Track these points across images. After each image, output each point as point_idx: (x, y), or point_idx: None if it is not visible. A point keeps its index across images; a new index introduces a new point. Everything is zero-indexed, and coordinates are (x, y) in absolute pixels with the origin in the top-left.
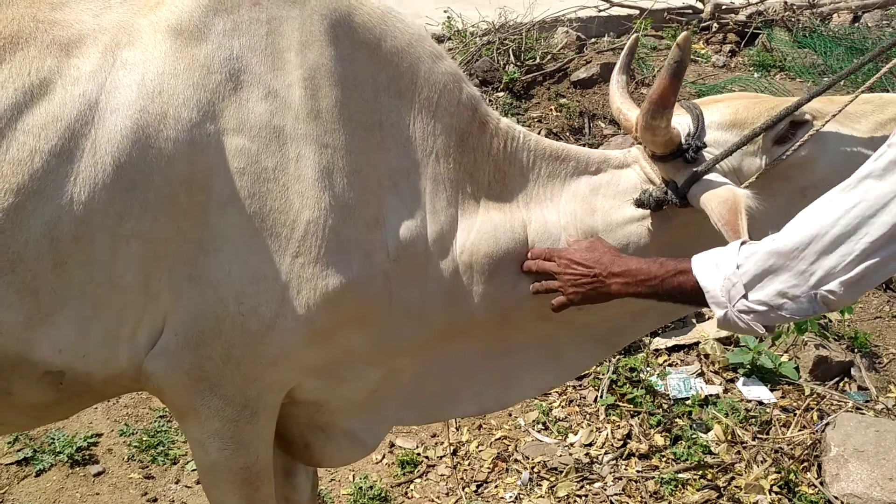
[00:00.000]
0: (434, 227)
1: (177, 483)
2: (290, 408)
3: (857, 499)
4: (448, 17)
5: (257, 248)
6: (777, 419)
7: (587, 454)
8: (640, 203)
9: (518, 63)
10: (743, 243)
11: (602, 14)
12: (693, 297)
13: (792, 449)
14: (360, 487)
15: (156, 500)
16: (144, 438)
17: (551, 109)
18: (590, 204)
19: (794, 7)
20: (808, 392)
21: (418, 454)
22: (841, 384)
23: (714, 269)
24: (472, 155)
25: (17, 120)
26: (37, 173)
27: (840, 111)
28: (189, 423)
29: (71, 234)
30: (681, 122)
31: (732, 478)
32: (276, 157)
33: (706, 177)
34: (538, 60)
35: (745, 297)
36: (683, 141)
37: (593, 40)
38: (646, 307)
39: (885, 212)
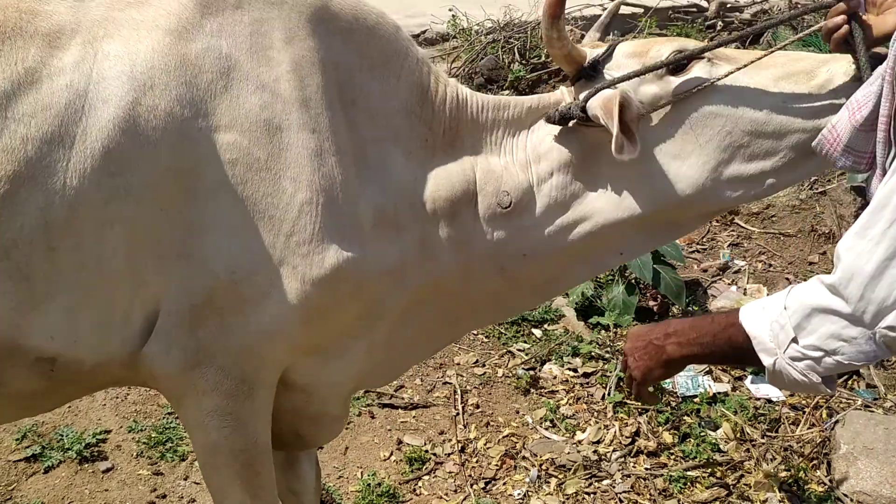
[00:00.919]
0: (399, 184)
1: (185, 479)
2: (279, 403)
3: (867, 496)
4: (453, 16)
5: (250, 228)
6: (786, 417)
7: (595, 452)
8: (549, 118)
9: (523, 61)
10: (793, 286)
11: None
12: (746, 351)
13: (801, 447)
14: (369, 485)
15: (164, 496)
16: (153, 435)
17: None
18: (522, 141)
19: (799, 6)
20: None
21: (426, 451)
22: (850, 382)
23: (761, 313)
24: (431, 108)
25: (6, 108)
26: (30, 160)
27: (750, 63)
28: (187, 406)
29: (63, 219)
30: (595, 52)
31: (742, 475)
32: (267, 148)
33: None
34: (543, 59)
35: (794, 340)
36: (587, 62)
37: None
38: (577, 257)
39: None
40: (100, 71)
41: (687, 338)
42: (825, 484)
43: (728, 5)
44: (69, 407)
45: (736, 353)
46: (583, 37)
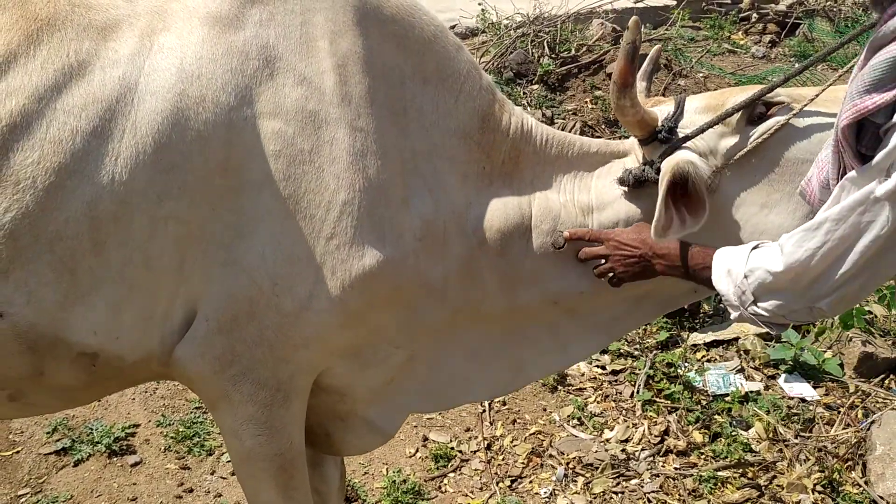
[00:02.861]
0: (452, 207)
1: (212, 474)
2: (312, 398)
3: None
4: (482, 10)
5: (292, 230)
6: (820, 417)
7: (623, 450)
8: (621, 181)
9: (553, 55)
10: (754, 248)
11: (639, 6)
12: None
13: (836, 447)
14: (394, 481)
15: (191, 490)
16: (181, 429)
17: (587, 102)
18: (587, 184)
19: None
20: (852, 389)
21: (452, 448)
22: (887, 381)
23: (726, 276)
24: (492, 135)
25: (56, 100)
26: (78, 153)
27: (818, 94)
28: (222, 412)
29: (111, 214)
30: (663, 109)
31: (774, 476)
32: (311, 140)
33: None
34: (573, 52)
35: (754, 303)
36: (659, 125)
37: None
38: (642, 297)
39: (853, 249)
40: (152, 63)
41: (673, 262)
42: (860, 486)
43: None
44: (99, 401)
45: (704, 288)
46: (614, 30)
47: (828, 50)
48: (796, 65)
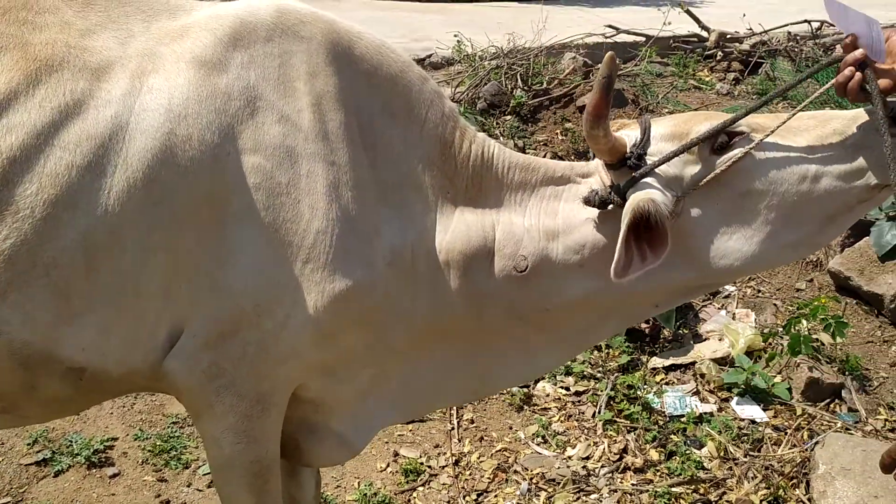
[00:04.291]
0: (418, 232)
1: (189, 486)
2: (288, 410)
3: None
4: (458, 42)
5: (271, 257)
6: (768, 437)
7: (584, 467)
8: (587, 201)
9: (525, 87)
10: None
11: (609, 41)
12: None
13: (782, 466)
14: (366, 494)
15: (168, 501)
16: (158, 443)
17: (557, 133)
18: (552, 207)
19: (798, 37)
20: (799, 412)
21: (421, 463)
22: (831, 405)
23: None
24: (454, 162)
25: (54, 136)
26: (73, 186)
27: (779, 126)
28: (204, 421)
29: (104, 243)
30: (630, 134)
31: (724, 493)
32: (288, 173)
33: (643, 181)
34: (545, 85)
35: None
36: (628, 150)
37: (599, 66)
38: (608, 312)
39: None
40: (142, 103)
41: None
42: (804, 502)
43: (728, 36)
44: (78, 415)
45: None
46: (586, 64)
47: (787, 86)
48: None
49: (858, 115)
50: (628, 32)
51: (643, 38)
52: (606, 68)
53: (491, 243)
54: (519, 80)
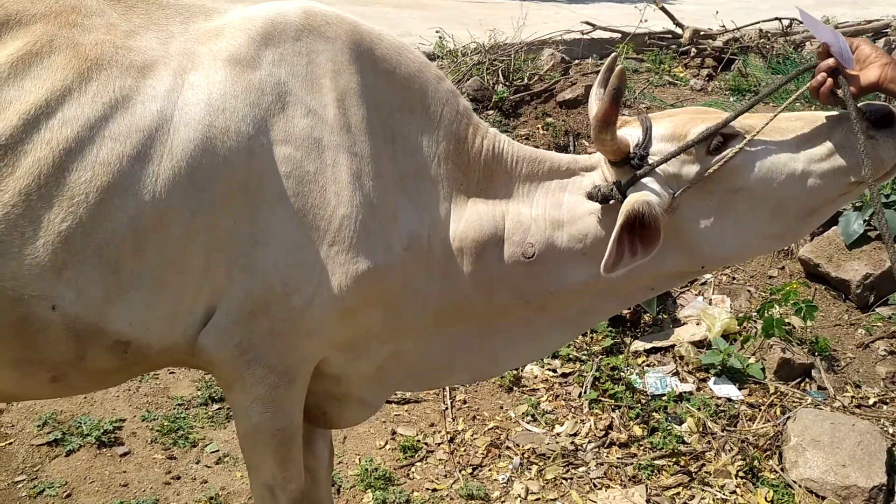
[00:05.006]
0: (434, 220)
1: (198, 463)
2: (312, 382)
3: (814, 483)
4: (440, 38)
5: (300, 239)
6: (744, 413)
7: (572, 442)
8: (590, 196)
9: (507, 83)
10: None
11: (586, 37)
12: None
13: (756, 439)
14: (366, 469)
15: (179, 477)
16: (165, 423)
17: (538, 128)
18: (557, 199)
19: (769, 35)
20: (772, 390)
21: (418, 441)
22: (802, 384)
23: None
24: (467, 156)
25: (105, 129)
26: (123, 174)
27: (763, 127)
28: (235, 392)
29: (151, 226)
30: (632, 133)
31: (703, 464)
32: (315, 163)
33: (643, 180)
34: (526, 81)
35: None
36: (631, 150)
37: (577, 62)
38: (607, 294)
39: None
40: (185, 98)
41: None
42: (776, 472)
43: (701, 33)
44: (85, 397)
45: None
46: (564, 60)
47: (772, 88)
48: (731, 97)
49: (839, 116)
50: (605, 29)
51: (619, 35)
52: (617, 80)
53: (501, 232)
54: (500, 75)
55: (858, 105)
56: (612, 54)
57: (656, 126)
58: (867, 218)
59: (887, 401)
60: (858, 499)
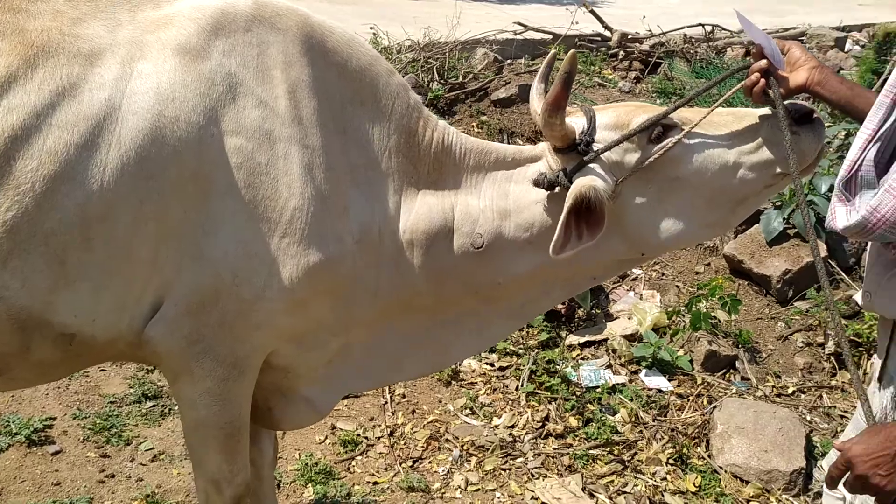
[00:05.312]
0: (385, 213)
1: (132, 461)
2: (260, 375)
3: (738, 468)
4: (374, 34)
5: (251, 230)
6: (673, 404)
7: (510, 434)
8: (536, 183)
9: (442, 81)
10: None
11: (518, 38)
12: None
13: (685, 428)
14: (307, 464)
15: (113, 475)
16: (98, 422)
17: (473, 126)
18: (504, 189)
19: (693, 40)
20: (699, 381)
21: (358, 435)
22: (727, 374)
23: None
24: (417, 149)
25: (51, 116)
26: (71, 162)
27: (699, 121)
28: (182, 384)
29: (99, 215)
30: (577, 122)
31: (635, 453)
32: (267, 154)
33: (589, 166)
34: (461, 79)
35: None
36: (577, 137)
37: (510, 62)
38: (552, 284)
39: None
40: (133, 87)
41: None
42: (704, 458)
43: (629, 37)
44: (12, 395)
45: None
46: (497, 59)
47: (708, 85)
48: (657, 99)
49: (767, 114)
50: (536, 30)
51: (550, 37)
52: (568, 64)
53: (450, 223)
54: (435, 73)
55: (785, 104)
56: (552, 51)
57: (600, 115)
58: (786, 216)
59: (805, 390)
60: (780, 482)
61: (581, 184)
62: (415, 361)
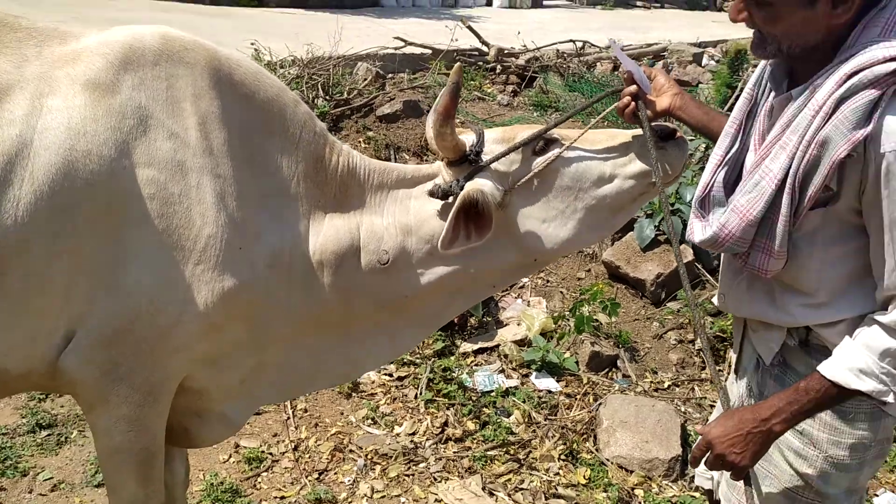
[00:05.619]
0: (295, 236)
1: (30, 492)
2: (175, 398)
3: (623, 459)
4: (255, 50)
5: (166, 259)
6: (562, 403)
7: (412, 441)
8: (431, 193)
9: (327, 97)
10: (855, 342)
11: (399, 52)
12: (842, 400)
13: (574, 425)
14: (212, 484)
15: None
16: None
17: (360, 142)
18: (406, 205)
19: (565, 55)
20: (585, 381)
21: (262, 451)
22: (610, 373)
23: (861, 378)
24: (325, 174)
25: None
26: None
27: (578, 137)
28: (98, 413)
29: (14, 249)
30: (468, 137)
31: (530, 451)
32: (180, 184)
33: (478, 175)
34: (346, 95)
35: None
36: (468, 149)
37: (391, 76)
38: (455, 293)
39: None
40: (44, 122)
41: (791, 412)
42: (593, 452)
43: (505, 52)
44: None
45: (832, 404)
46: (379, 74)
47: (583, 105)
48: (534, 112)
49: (638, 133)
50: (416, 45)
51: (430, 51)
52: (455, 76)
53: (357, 242)
54: (320, 89)
55: (652, 124)
56: (457, 64)
57: (488, 132)
58: (657, 224)
59: (679, 384)
60: (660, 469)
61: (469, 187)
62: (327, 373)
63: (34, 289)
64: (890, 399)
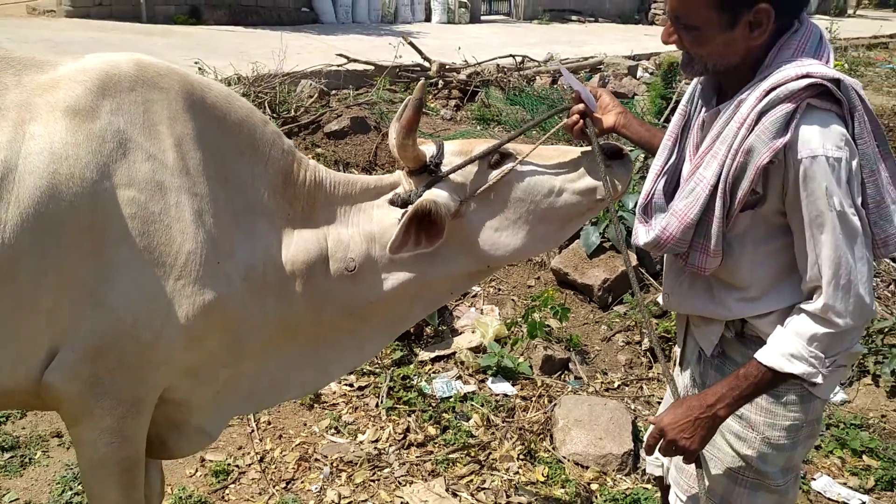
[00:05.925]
0: (267, 250)
1: None
2: (155, 411)
3: (579, 456)
4: (200, 69)
5: (148, 275)
6: (519, 406)
7: (375, 448)
8: (392, 202)
9: (274, 115)
10: (786, 329)
11: (343, 69)
12: (777, 384)
13: (531, 426)
14: (180, 497)
15: None
16: None
17: (310, 158)
18: (369, 214)
19: (505, 69)
20: (539, 384)
21: (229, 464)
22: (562, 375)
23: (793, 361)
24: (293, 188)
25: None
26: None
27: (531, 151)
28: (82, 426)
29: (3, 270)
30: (428, 148)
31: (490, 453)
32: (160, 204)
33: (436, 185)
34: (293, 113)
35: (828, 359)
36: (428, 160)
37: (335, 92)
38: (415, 298)
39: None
40: (27, 148)
41: (733, 397)
42: (550, 451)
43: (447, 67)
44: None
45: (769, 388)
46: (322, 91)
47: (535, 121)
48: (478, 126)
49: (587, 150)
50: (359, 62)
51: (373, 68)
52: (418, 93)
53: (325, 251)
54: (267, 108)
55: (599, 142)
56: (420, 81)
57: (448, 145)
58: (602, 231)
59: (628, 383)
60: (614, 464)
61: (424, 196)
62: (299, 381)
63: (22, 308)
64: (818, 380)
